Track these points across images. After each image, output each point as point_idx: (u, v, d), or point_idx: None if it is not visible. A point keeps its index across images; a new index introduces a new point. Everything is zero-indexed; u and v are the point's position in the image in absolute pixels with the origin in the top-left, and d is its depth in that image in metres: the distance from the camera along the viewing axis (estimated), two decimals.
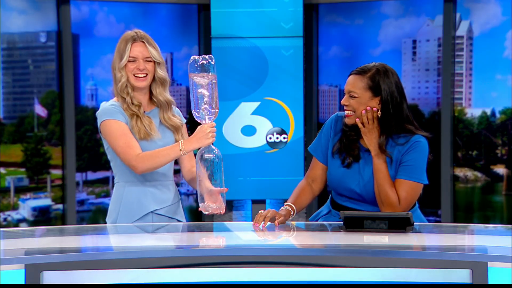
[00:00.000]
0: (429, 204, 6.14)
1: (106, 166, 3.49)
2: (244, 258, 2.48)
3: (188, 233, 3.26)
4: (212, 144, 3.16)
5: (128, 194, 3.35)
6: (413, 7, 6.17)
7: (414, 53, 6.20)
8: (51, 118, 6.10)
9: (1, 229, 3.06)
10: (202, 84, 3.08)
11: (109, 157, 3.40)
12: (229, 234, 3.13)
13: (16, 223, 6.03)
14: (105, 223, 3.39)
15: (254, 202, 6.10)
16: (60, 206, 6.16)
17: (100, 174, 6.26)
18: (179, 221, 3.42)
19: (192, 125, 3.38)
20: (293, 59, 5.98)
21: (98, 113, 3.35)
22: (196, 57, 3.09)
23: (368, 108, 3.14)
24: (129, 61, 3.32)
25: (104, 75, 6.09)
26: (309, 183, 3.33)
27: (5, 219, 5.97)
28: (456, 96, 6.11)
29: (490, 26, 6.01)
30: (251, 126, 6.00)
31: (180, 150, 3.22)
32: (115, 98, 3.39)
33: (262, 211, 3.10)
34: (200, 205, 3.18)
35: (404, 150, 3.16)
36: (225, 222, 5.37)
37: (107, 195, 6.23)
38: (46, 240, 2.93)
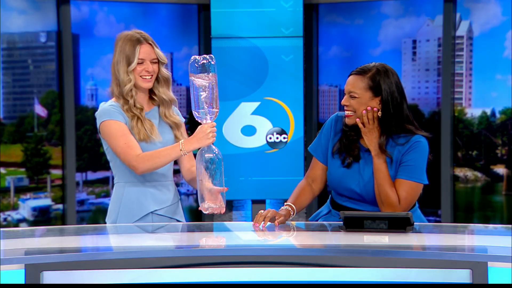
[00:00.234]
0: (429, 204, 6.14)
1: (106, 166, 3.49)
2: (244, 258, 2.48)
3: (188, 233, 3.26)
4: (212, 144, 3.16)
5: (128, 194, 3.35)
6: (413, 7, 6.17)
7: (414, 53, 6.20)
8: (51, 118, 6.10)
9: (1, 229, 3.06)
10: (203, 84, 3.08)
11: (108, 157, 3.40)
12: (229, 234, 3.13)
13: (16, 223, 6.03)
14: (105, 223, 3.39)
15: (254, 202, 6.10)
16: (60, 206, 6.16)
17: (100, 174, 6.26)
18: (178, 221, 3.42)
19: (192, 125, 3.39)
20: (293, 59, 5.98)
21: (97, 114, 3.35)
22: (197, 57, 3.09)
23: (369, 108, 3.14)
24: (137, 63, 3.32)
25: (104, 75, 6.09)
26: (309, 183, 3.33)
27: (5, 219, 5.97)
28: (456, 96, 6.11)
29: (490, 26, 6.01)
30: (251, 126, 6.00)
31: (181, 150, 3.22)
32: (114, 99, 3.38)
33: (262, 211, 3.10)
34: (200, 204, 3.18)
35: (404, 150, 3.16)
36: (225, 222, 5.37)
37: (107, 195, 6.23)
38: (46, 240, 2.93)
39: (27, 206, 6.08)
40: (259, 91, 5.99)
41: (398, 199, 3.13)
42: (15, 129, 6.00)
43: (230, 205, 6.29)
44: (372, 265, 2.44)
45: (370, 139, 3.16)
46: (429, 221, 3.46)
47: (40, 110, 6.08)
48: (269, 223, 3.06)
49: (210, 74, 3.07)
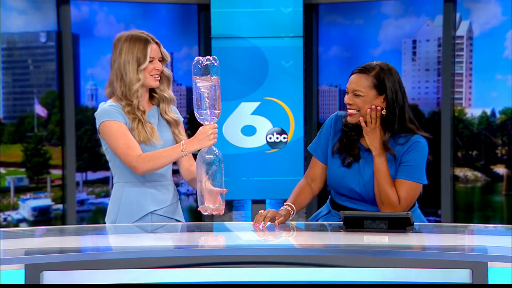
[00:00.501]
0: (429, 204, 6.13)
1: (106, 166, 3.48)
2: (244, 258, 2.48)
3: (188, 233, 3.26)
4: (213, 145, 3.16)
5: (128, 194, 3.35)
6: (413, 7, 6.17)
7: (414, 53, 6.20)
8: (51, 118, 6.10)
9: (1, 229, 3.06)
10: (205, 86, 3.08)
11: (107, 157, 3.39)
12: (229, 234, 3.13)
13: (16, 223, 6.03)
14: (105, 223, 3.39)
15: (254, 202, 6.10)
16: (60, 206, 6.16)
17: (100, 174, 6.26)
18: (178, 221, 3.42)
19: (192, 125, 3.39)
20: (293, 59, 5.98)
21: (97, 114, 3.34)
22: (200, 58, 3.09)
23: (373, 106, 3.14)
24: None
25: (104, 75, 6.09)
26: (309, 182, 3.33)
27: (5, 219, 5.97)
28: (456, 96, 6.11)
29: (490, 26, 6.01)
30: (251, 126, 6.00)
31: (182, 151, 3.23)
32: (113, 99, 3.37)
33: (262, 211, 3.10)
34: (200, 205, 3.18)
35: (404, 150, 3.16)
36: (225, 222, 5.37)
37: (107, 195, 6.23)
38: (46, 240, 2.93)
39: (27, 206, 6.08)
40: (259, 91, 5.99)
41: (398, 199, 3.13)
42: (15, 129, 6.00)
43: (230, 205, 6.29)
44: (372, 265, 2.44)
45: (372, 138, 3.15)
46: (429, 221, 3.46)
47: (40, 110, 6.08)
48: (269, 223, 3.06)
49: (213, 76, 3.08)
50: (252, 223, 3.10)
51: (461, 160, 6.17)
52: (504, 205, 6.14)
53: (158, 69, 3.34)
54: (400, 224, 2.87)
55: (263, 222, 3.05)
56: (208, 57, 3.09)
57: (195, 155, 3.28)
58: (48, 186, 6.14)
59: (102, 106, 3.35)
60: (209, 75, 3.07)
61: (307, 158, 5.86)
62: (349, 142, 3.24)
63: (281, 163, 5.99)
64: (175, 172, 3.54)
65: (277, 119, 5.99)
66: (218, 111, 3.14)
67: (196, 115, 3.14)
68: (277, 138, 5.99)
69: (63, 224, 6.06)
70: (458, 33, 6.07)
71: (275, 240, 2.95)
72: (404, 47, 6.21)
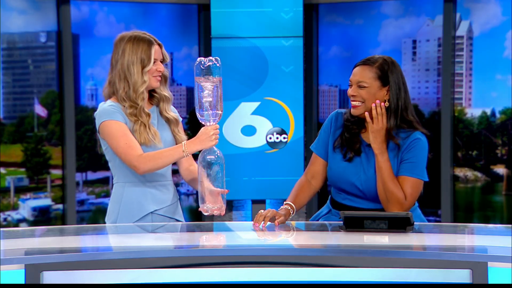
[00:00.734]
0: (429, 204, 6.13)
1: (106, 166, 3.48)
2: (244, 258, 2.48)
3: (188, 233, 3.26)
4: (215, 146, 3.17)
5: (128, 194, 3.35)
6: (413, 7, 6.17)
7: (414, 53, 6.20)
8: (51, 118, 6.10)
9: (1, 229, 3.06)
10: (208, 87, 3.08)
11: (107, 157, 3.39)
12: (229, 234, 3.14)
13: (16, 223, 6.03)
14: (105, 223, 3.39)
15: (254, 202, 6.10)
16: (60, 206, 6.16)
17: (100, 174, 6.26)
18: (178, 221, 3.42)
19: (192, 125, 3.39)
20: (293, 59, 5.98)
21: (96, 114, 3.34)
22: (203, 59, 3.09)
23: (377, 102, 3.15)
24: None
25: (104, 75, 6.06)
26: (309, 179, 3.33)
27: (5, 219, 5.97)
28: (456, 96, 6.11)
29: (490, 26, 6.01)
30: (251, 126, 6.00)
31: (183, 151, 3.22)
32: (113, 99, 3.36)
33: (262, 211, 3.10)
34: (201, 206, 3.18)
35: (405, 147, 3.18)
36: (225, 222, 5.37)
37: (107, 195, 6.23)
38: (46, 240, 2.93)
39: (27, 206, 6.08)
40: (259, 91, 5.99)
41: (404, 196, 3.14)
42: (15, 129, 6.00)
43: (230, 205, 6.29)
44: (372, 265, 2.44)
45: (376, 137, 3.15)
46: (429, 221, 3.46)
47: (40, 110, 6.08)
48: (269, 223, 3.07)
49: (216, 77, 3.08)
50: (252, 223, 3.10)
51: (461, 160, 6.17)
52: (504, 205, 6.14)
53: (160, 71, 3.34)
54: (400, 224, 2.87)
55: (263, 222, 3.05)
56: (210, 58, 3.09)
57: (194, 155, 3.28)
58: (48, 186, 6.14)
59: (102, 106, 3.34)
60: (211, 76, 3.08)
61: (307, 158, 5.85)
62: (350, 136, 3.25)
63: (281, 163, 5.99)
64: (175, 172, 3.54)
65: (277, 119, 5.99)
66: (220, 112, 3.14)
67: (198, 115, 3.14)
68: (277, 138, 5.99)
69: (63, 224, 6.06)
70: (458, 33, 6.07)
71: (275, 240, 2.95)
72: (404, 47, 6.21)
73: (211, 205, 3.16)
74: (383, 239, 2.77)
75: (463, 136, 6.14)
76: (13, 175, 6.03)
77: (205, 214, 3.18)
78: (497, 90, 6.01)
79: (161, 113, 3.41)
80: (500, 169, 6.10)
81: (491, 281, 2.41)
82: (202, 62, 3.08)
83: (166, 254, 2.51)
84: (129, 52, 3.30)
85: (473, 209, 6.23)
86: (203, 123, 3.17)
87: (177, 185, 3.49)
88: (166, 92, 3.41)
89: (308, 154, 5.41)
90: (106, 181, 6.28)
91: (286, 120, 6.00)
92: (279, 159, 5.99)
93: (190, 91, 6.15)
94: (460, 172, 6.18)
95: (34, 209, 6.10)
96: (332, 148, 3.28)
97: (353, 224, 2.89)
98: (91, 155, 6.20)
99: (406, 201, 3.14)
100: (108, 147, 3.34)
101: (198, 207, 3.19)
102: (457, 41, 6.07)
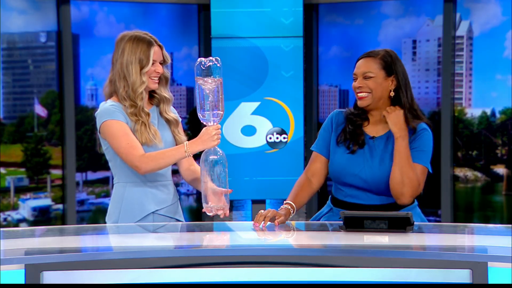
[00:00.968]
0: (429, 204, 6.14)
1: (106, 166, 3.47)
2: (244, 258, 2.48)
3: (188, 233, 3.26)
4: (217, 146, 3.17)
5: (129, 195, 3.34)
6: (413, 7, 6.17)
7: (414, 53, 6.20)
8: (51, 118, 6.10)
9: (1, 229, 3.06)
10: (209, 87, 3.08)
11: (108, 157, 3.38)
12: (229, 234, 3.14)
13: (16, 223, 6.03)
14: (105, 223, 3.39)
15: (254, 202, 6.10)
16: (60, 206, 6.16)
17: (100, 174, 6.26)
18: (178, 221, 3.42)
19: (192, 125, 3.38)
20: (293, 59, 5.98)
21: (97, 114, 3.33)
22: (203, 59, 3.09)
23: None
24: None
25: (104, 75, 6.08)
26: (309, 178, 3.33)
27: (5, 219, 5.98)
28: (456, 96, 6.11)
29: (490, 26, 6.01)
30: (251, 126, 6.00)
31: (185, 151, 3.22)
32: (113, 98, 3.36)
33: (262, 211, 3.10)
34: (204, 206, 3.18)
35: (413, 136, 3.22)
36: (225, 222, 5.37)
37: (107, 195, 6.23)
38: (46, 240, 2.93)
39: (27, 206, 6.08)
40: (259, 91, 5.99)
41: (418, 181, 3.17)
42: (15, 129, 6.00)
43: (230, 205, 6.28)
44: (372, 265, 2.44)
45: (395, 118, 3.18)
46: (429, 221, 3.46)
47: (40, 110, 6.08)
48: (269, 223, 3.07)
49: (216, 77, 3.08)
50: (252, 223, 3.10)
51: (461, 160, 6.17)
52: (504, 205, 6.14)
53: (158, 72, 3.33)
54: (400, 224, 2.87)
55: (263, 222, 3.05)
56: (211, 58, 3.09)
57: (195, 155, 3.28)
58: (48, 186, 6.14)
59: (103, 105, 3.34)
60: (211, 76, 3.08)
61: (307, 158, 5.85)
62: (354, 128, 3.27)
63: (281, 163, 5.99)
64: (175, 172, 3.53)
65: (277, 119, 6.00)
66: (221, 112, 3.14)
67: (199, 116, 3.14)
68: (277, 138, 5.99)
69: (63, 224, 6.06)
70: (458, 33, 6.07)
71: (275, 240, 2.95)
72: (404, 47, 6.21)
73: (215, 205, 3.16)
74: (383, 239, 2.77)
75: (463, 136, 6.14)
76: (13, 175, 6.03)
77: (209, 214, 3.18)
78: (497, 90, 6.02)
79: (161, 114, 3.41)
80: (500, 169, 6.11)
81: (491, 281, 2.41)
82: (203, 63, 3.08)
83: (166, 254, 2.51)
84: (128, 52, 3.30)
85: (473, 209, 6.23)
86: (204, 123, 3.17)
87: (177, 185, 3.49)
88: (166, 93, 3.41)
89: (308, 154, 5.41)
90: (106, 181, 6.28)
91: (286, 120, 6.00)
92: (279, 159, 5.99)
93: (190, 91, 6.15)
94: (460, 172, 6.18)
95: (34, 209, 6.11)
96: (335, 144, 3.29)
97: (353, 224, 2.89)
98: (91, 155, 6.20)
99: (419, 187, 3.18)
100: (108, 147, 3.33)
101: (198, 207, 3.19)
102: (457, 41, 6.07)
